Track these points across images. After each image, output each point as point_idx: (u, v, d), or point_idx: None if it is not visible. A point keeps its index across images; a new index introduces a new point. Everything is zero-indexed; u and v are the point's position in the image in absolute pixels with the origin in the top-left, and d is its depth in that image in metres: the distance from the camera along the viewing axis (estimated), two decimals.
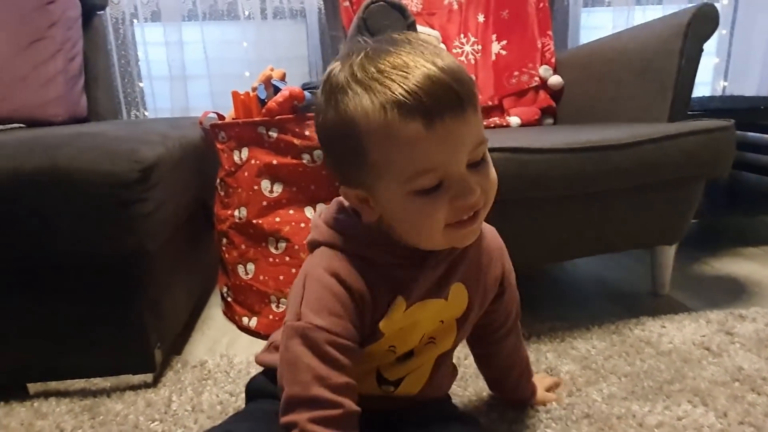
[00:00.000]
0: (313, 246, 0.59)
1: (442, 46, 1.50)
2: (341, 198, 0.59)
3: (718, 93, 2.09)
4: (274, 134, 1.07)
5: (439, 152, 0.48)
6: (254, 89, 1.17)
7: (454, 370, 0.75)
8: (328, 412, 0.51)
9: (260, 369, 0.73)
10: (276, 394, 0.56)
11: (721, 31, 2.02)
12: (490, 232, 0.67)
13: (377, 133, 0.48)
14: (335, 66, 0.51)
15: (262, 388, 0.69)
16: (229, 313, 1.21)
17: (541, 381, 0.84)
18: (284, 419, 0.52)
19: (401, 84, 0.46)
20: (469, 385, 0.88)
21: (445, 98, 0.46)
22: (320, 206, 1.10)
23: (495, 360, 0.77)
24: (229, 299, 1.19)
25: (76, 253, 0.83)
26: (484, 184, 0.51)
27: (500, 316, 0.71)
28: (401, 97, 0.46)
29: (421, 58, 0.47)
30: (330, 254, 0.56)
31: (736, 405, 0.80)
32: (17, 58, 1.26)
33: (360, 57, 0.49)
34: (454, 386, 0.87)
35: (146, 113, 1.90)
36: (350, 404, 0.52)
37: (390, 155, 0.48)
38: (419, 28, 1.04)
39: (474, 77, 1.52)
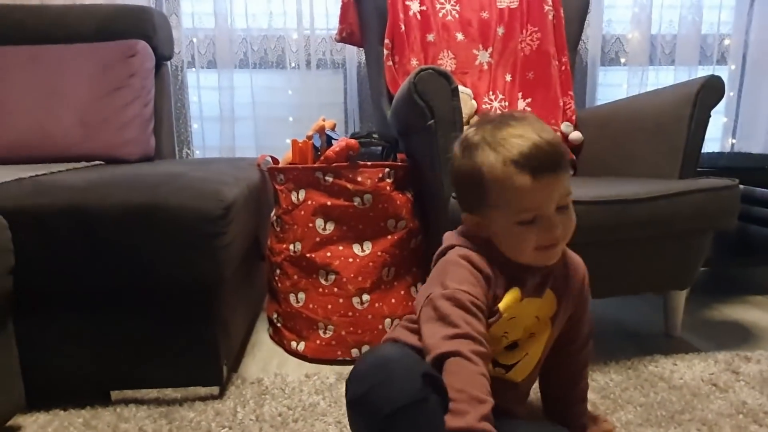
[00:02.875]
0: (445, 251, 0.76)
1: (474, 102, 1.65)
2: (460, 227, 0.80)
3: (727, 149, 2.22)
4: (329, 179, 1.22)
5: (538, 198, 0.68)
6: (310, 137, 1.33)
7: None
8: (480, 348, 0.64)
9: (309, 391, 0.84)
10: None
11: (729, 93, 2.17)
12: (577, 260, 0.84)
13: (497, 180, 0.69)
14: (471, 130, 0.74)
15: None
16: (277, 338, 1.33)
17: (596, 420, 0.91)
18: (444, 348, 0.64)
19: (518, 148, 0.67)
20: None
21: (546, 161, 0.67)
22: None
23: (560, 373, 0.87)
24: (279, 324, 1.32)
25: (167, 277, 0.96)
26: (566, 223, 0.71)
27: (573, 331, 0.84)
28: (518, 156, 0.67)
29: (532, 131, 0.68)
30: (463, 250, 0.74)
31: None
32: (101, 103, 1.43)
33: (490, 126, 0.71)
34: None
35: (196, 152, 2.07)
36: (489, 348, 0.66)
37: (504, 196, 0.69)
38: None
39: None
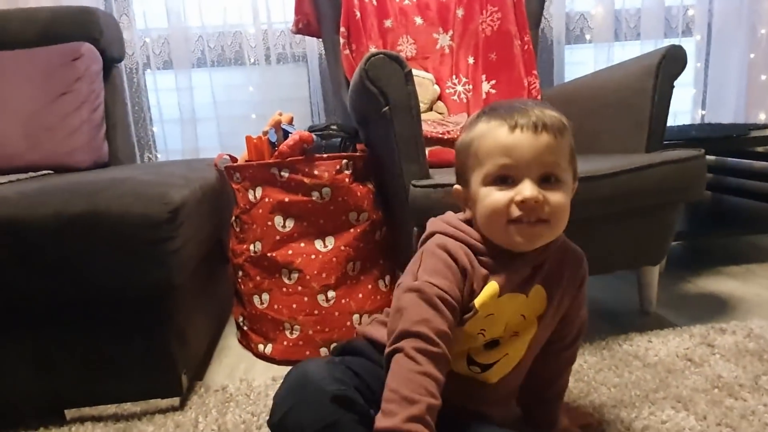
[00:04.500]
0: (428, 237, 0.72)
1: (436, 87, 1.62)
2: (450, 212, 0.77)
3: (697, 121, 2.21)
4: (285, 174, 1.17)
5: (512, 151, 0.64)
6: (265, 133, 1.28)
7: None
8: (429, 347, 0.60)
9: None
10: (373, 358, 0.69)
11: (696, 64, 2.15)
12: (579, 256, 0.78)
13: (480, 133, 0.67)
14: (473, 115, 0.73)
15: (361, 350, 0.75)
16: (245, 341, 1.29)
17: (570, 412, 0.88)
18: (391, 347, 0.62)
19: (507, 113, 0.66)
20: None
21: (528, 119, 0.65)
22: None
23: (539, 370, 0.80)
24: (245, 328, 1.27)
25: (112, 287, 0.92)
26: (552, 200, 0.65)
27: (562, 331, 0.79)
28: (504, 118, 0.66)
29: (528, 106, 0.67)
30: (443, 238, 0.70)
31: (715, 409, 0.88)
32: (46, 110, 1.37)
33: (490, 105, 0.71)
34: None
35: (158, 155, 2.01)
36: (445, 348, 0.62)
37: (482, 151, 0.67)
38: (414, 71, 1.15)
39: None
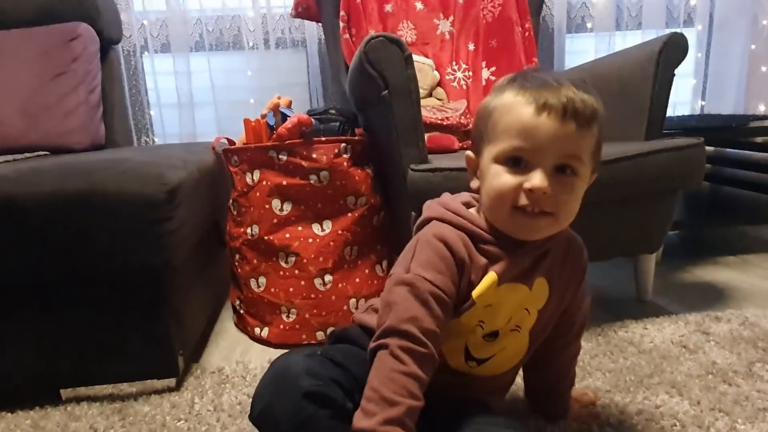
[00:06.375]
0: (424, 223, 0.69)
1: (436, 73, 1.61)
2: (447, 194, 0.74)
3: (697, 112, 2.20)
4: (284, 157, 1.17)
5: (531, 134, 0.60)
6: (263, 116, 1.27)
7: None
8: (415, 347, 0.59)
9: None
10: (366, 347, 0.64)
11: (697, 54, 2.15)
12: (579, 246, 0.76)
13: (504, 105, 0.63)
14: (504, 79, 0.68)
15: (354, 337, 0.74)
16: (241, 325, 1.29)
17: (579, 397, 0.87)
18: (376, 343, 0.61)
19: (538, 89, 0.61)
20: None
21: (557, 101, 0.59)
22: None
23: (546, 368, 0.81)
24: (242, 311, 1.27)
25: (109, 267, 0.91)
26: (560, 194, 0.61)
27: (564, 326, 0.77)
28: (534, 95, 0.61)
29: (562, 83, 0.61)
30: (440, 225, 0.67)
31: (709, 394, 0.89)
32: (42, 91, 1.36)
33: (531, 73, 0.66)
34: None
35: (156, 139, 2.00)
36: (433, 349, 0.60)
37: (503, 123, 0.62)
38: (414, 57, 1.14)
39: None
